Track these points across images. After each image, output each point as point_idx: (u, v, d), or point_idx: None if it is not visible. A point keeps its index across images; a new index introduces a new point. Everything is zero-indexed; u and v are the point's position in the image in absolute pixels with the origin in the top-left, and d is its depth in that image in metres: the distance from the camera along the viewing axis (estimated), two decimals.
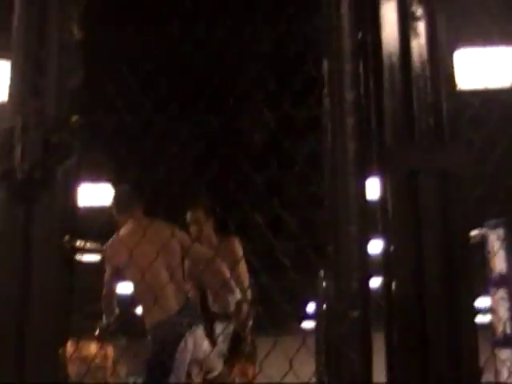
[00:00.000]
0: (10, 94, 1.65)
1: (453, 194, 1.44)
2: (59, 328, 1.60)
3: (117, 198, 4.99)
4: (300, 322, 13.78)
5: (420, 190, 1.42)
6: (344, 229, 1.39)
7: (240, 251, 5.25)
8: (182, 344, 4.53)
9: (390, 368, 1.38)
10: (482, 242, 4.33)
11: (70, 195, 1.64)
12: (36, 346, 1.56)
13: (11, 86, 1.65)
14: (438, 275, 1.41)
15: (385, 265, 1.43)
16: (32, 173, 1.61)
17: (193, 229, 5.23)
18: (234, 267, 5.02)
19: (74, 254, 1.64)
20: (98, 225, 5.08)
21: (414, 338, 1.37)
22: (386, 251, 1.43)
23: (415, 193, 1.42)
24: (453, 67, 1.54)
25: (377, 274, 1.42)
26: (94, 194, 6.57)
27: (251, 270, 5.90)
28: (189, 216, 5.23)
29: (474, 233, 4.38)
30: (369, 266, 1.40)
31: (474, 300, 1.44)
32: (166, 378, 4.48)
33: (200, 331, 4.77)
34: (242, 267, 5.30)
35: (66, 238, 1.60)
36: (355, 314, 1.35)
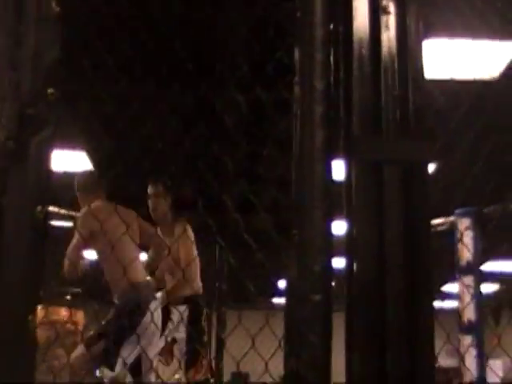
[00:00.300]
0: None
1: (415, 184, 1.49)
2: (30, 294, 1.63)
3: (82, 181, 5.10)
4: (270, 298, 13.86)
5: (384, 180, 1.47)
6: (308, 214, 1.44)
7: (192, 236, 5.40)
8: (147, 312, 4.74)
9: (349, 349, 1.44)
10: (452, 229, 4.42)
11: (44, 166, 1.67)
12: (7, 310, 1.59)
13: None
14: (399, 261, 1.46)
15: (347, 247, 1.48)
16: (7, 144, 1.64)
17: (151, 201, 5.46)
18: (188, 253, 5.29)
19: (47, 223, 1.67)
20: (72, 191, 5.13)
21: (374, 321, 1.43)
22: (349, 235, 1.48)
23: (379, 182, 1.47)
24: (421, 60, 1.58)
25: (340, 254, 1.47)
26: (69, 161, 6.58)
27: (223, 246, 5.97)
28: (149, 189, 5.43)
29: (443, 220, 4.46)
30: (332, 251, 1.45)
31: (432, 286, 1.49)
32: (126, 339, 4.68)
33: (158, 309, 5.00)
34: (194, 252, 5.47)
35: (39, 207, 1.63)
36: (317, 297, 1.40)
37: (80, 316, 15.35)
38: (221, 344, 7.81)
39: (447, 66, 4.67)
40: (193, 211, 5.27)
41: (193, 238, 5.46)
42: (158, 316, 4.97)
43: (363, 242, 1.47)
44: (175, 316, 5.37)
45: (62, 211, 6.65)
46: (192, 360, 5.21)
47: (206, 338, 5.38)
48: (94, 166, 6.80)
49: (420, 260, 1.48)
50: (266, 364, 1.71)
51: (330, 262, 1.45)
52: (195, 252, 5.51)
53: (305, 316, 1.40)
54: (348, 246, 1.48)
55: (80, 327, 15.37)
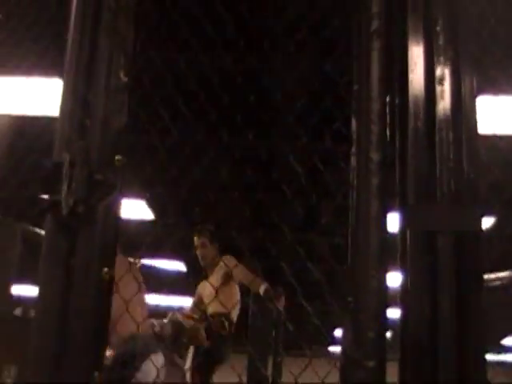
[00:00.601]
0: (58, 131, 1.77)
1: (468, 249, 1.53)
2: (96, 350, 1.69)
3: None
4: (328, 345, 13.74)
5: (437, 247, 1.51)
6: (363, 282, 1.49)
7: (234, 263, 5.63)
8: (148, 361, 4.59)
9: None
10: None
11: (111, 230, 1.75)
12: (72, 368, 1.66)
13: (60, 124, 1.77)
14: (451, 317, 1.49)
15: (401, 301, 1.52)
16: (76, 207, 1.72)
17: (198, 252, 5.80)
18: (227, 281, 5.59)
19: (111, 284, 1.74)
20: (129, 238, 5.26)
21: (425, 374, 1.45)
22: (403, 293, 1.52)
23: (433, 248, 1.51)
24: (476, 126, 1.62)
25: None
26: (129, 209, 6.76)
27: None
28: (195, 240, 5.61)
29: (506, 274, 4.45)
30: (386, 320, 1.49)
31: (484, 341, 1.52)
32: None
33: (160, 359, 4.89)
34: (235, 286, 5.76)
35: (105, 269, 1.70)
36: (371, 364, 1.44)
37: None
38: None
39: (492, 122, 4.69)
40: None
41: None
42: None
43: (416, 301, 1.50)
44: None
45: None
46: None
47: None
48: (154, 213, 6.96)
49: (472, 316, 1.51)
50: None
51: (384, 330, 1.48)
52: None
53: (358, 382, 1.43)
54: (402, 300, 1.52)
55: None
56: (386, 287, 1.51)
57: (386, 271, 1.51)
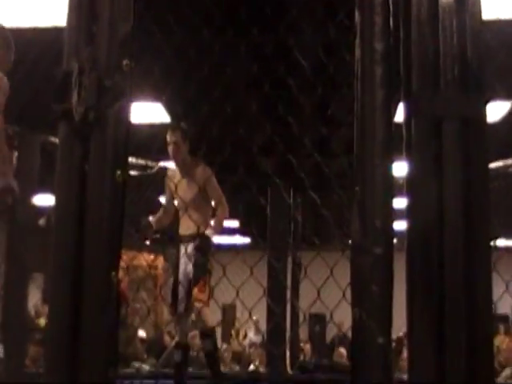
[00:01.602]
0: (66, 41, 1.78)
1: (473, 135, 1.55)
2: (112, 250, 1.75)
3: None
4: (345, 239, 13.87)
5: (443, 135, 1.53)
6: (370, 171, 1.52)
7: (209, 172, 5.71)
8: None
9: (410, 297, 1.52)
10: None
11: (122, 134, 1.78)
12: (92, 268, 1.73)
13: (67, 34, 1.78)
14: (457, 204, 1.52)
15: (408, 191, 1.55)
16: (87, 114, 1.75)
17: (170, 149, 5.76)
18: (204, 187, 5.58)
19: (125, 186, 1.78)
20: (148, 142, 5.35)
21: (432, 267, 1.50)
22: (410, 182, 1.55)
23: (439, 137, 1.54)
24: (480, 13, 1.61)
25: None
26: (145, 112, 6.75)
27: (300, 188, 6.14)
28: (168, 137, 5.74)
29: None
30: (393, 208, 1.53)
31: (489, 228, 1.55)
32: None
33: None
34: (215, 185, 5.83)
35: (118, 172, 1.75)
36: (378, 250, 1.49)
37: (160, 261, 15.80)
38: (296, 285, 7.97)
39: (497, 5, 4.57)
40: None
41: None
42: None
43: (423, 188, 1.54)
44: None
45: (140, 162, 7.06)
46: (196, 280, 5.56)
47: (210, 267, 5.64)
48: (172, 117, 6.97)
49: (478, 206, 1.54)
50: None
51: (391, 217, 1.53)
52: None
53: (367, 268, 1.49)
54: (408, 189, 1.55)
55: (160, 271, 15.82)
56: (392, 176, 1.54)
57: (391, 160, 1.54)
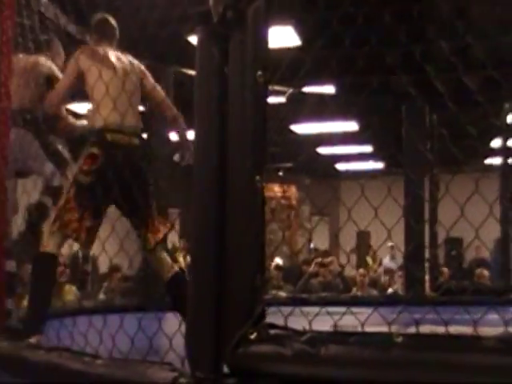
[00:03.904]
0: None
1: None
2: (256, 153, 1.74)
3: None
4: (484, 159, 13.40)
5: None
6: None
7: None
8: None
9: None
10: None
11: (261, 33, 1.75)
12: (235, 173, 1.73)
13: None
14: None
15: None
16: (225, 14, 1.74)
17: None
18: None
19: (267, 87, 1.76)
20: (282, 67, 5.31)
21: None
22: None
23: None
24: None
25: None
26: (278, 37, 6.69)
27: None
28: None
29: None
30: None
31: None
32: None
33: None
34: None
35: (259, 72, 1.72)
36: None
37: (293, 191, 15.91)
38: (434, 207, 7.80)
39: None
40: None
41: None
42: None
43: None
44: None
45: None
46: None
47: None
48: (302, 40, 6.88)
49: None
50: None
51: None
52: None
53: None
54: None
55: (293, 202, 15.96)
56: None
57: None
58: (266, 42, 1.75)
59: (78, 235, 3.48)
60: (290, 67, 1.87)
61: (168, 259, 3.71)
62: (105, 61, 3.61)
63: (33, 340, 3.06)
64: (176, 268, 3.70)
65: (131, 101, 3.55)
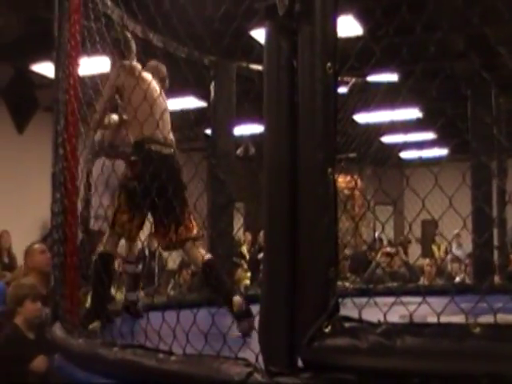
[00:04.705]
0: None
1: None
2: (327, 145, 1.73)
3: None
4: None
5: None
6: None
7: None
8: None
9: None
10: None
11: (330, 25, 1.74)
12: (307, 166, 1.73)
13: None
14: None
15: None
16: (292, 6, 1.73)
17: None
18: None
19: (337, 78, 1.74)
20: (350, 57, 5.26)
21: None
22: None
23: None
24: None
25: None
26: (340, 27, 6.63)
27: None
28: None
29: None
30: None
31: None
32: None
33: None
34: None
35: (329, 64, 1.71)
36: None
37: (356, 181, 15.75)
38: (502, 193, 7.63)
39: None
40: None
41: None
42: None
43: None
44: None
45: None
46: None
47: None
48: (364, 30, 6.80)
49: None
50: None
51: None
52: None
53: None
54: None
55: (357, 192, 15.82)
56: None
57: None
58: (335, 33, 1.73)
59: (129, 234, 3.99)
60: (356, 57, 1.85)
61: (199, 252, 3.96)
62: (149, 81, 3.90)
63: (91, 326, 3.59)
64: (208, 256, 3.99)
65: (166, 116, 4.01)
